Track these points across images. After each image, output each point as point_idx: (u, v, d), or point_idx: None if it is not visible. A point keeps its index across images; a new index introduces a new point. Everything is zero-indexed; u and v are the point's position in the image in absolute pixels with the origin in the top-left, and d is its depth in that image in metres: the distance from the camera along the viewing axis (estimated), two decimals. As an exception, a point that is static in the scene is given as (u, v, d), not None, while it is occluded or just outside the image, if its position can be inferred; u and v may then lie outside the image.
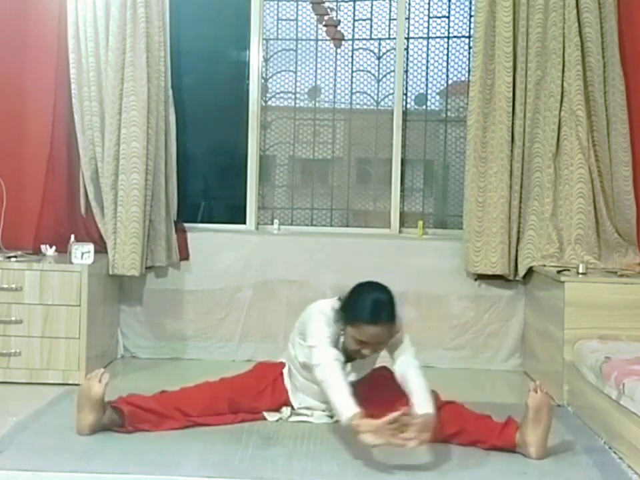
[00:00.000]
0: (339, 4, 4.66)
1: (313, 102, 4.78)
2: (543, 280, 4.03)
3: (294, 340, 3.11)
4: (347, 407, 2.64)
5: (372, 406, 2.92)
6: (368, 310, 2.80)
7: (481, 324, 4.40)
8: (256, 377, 3.20)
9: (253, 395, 3.12)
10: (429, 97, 4.71)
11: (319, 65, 4.72)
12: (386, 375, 3.18)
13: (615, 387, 2.94)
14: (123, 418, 2.92)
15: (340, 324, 2.89)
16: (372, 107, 4.73)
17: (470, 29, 4.58)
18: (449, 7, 4.64)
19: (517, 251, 4.25)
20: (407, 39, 4.62)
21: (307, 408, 3.17)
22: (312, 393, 3.11)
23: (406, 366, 2.91)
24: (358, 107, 4.75)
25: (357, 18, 4.67)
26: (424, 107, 4.73)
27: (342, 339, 2.90)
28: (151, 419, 2.95)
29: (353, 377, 2.97)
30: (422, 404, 2.71)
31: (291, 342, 3.16)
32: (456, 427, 2.89)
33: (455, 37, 4.65)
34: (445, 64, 4.66)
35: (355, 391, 2.76)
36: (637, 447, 2.70)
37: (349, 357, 2.94)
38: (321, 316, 2.92)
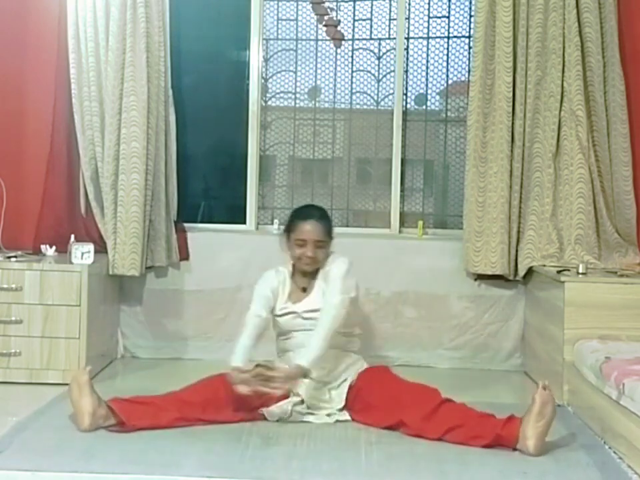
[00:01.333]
0: (338, 4, 4.66)
1: (313, 102, 4.78)
2: (543, 280, 4.03)
3: None
4: (235, 358, 3.06)
5: (380, 408, 2.98)
6: (300, 211, 3.40)
7: (481, 324, 4.40)
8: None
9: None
10: (429, 96, 4.71)
11: (319, 65, 4.72)
12: (388, 375, 3.19)
13: (615, 387, 2.94)
14: (120, 413, 2.92)
15: (285, 242, 3.34)
16: (372, 107, 4.73)
17: (470, 29, 4.58)
18: (449, 7, 4.64)
19: (516, 251, 4.25)
20: (407, 39, 4.62)
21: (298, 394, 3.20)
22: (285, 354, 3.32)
23: (322, 313, 3.15)
24: (358, 107, 4.75)
25: (357, 18, 4.67)
26: (424, 107, 4.73)
27: (292, 262, 3.33)
28: (149, 411, 2.96)
29: (303, 307, 3.26)
30: (300, 355, 3.07)
31: None
32: (457, 421, 2.90)
33: (455, 37, 4.65)
34: (445, 64, 4.66)
35: (359, 392, 3.10)
36: (636, 447, 2.70)
37: (301, 279, 3.32)
38: (260, 278, 3.36)
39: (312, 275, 3.33)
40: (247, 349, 3.12)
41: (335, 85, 4.73)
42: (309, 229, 3.24)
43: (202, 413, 3.03)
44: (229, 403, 3.09)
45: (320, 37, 4.70)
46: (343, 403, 3.16)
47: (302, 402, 3.15)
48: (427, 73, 4.67)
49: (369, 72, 4.69)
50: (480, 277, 4.35)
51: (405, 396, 3.04)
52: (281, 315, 3.30)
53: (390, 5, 4.63)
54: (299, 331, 3.26)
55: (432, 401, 2.99)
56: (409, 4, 4.61)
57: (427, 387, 3.09)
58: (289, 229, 3.33)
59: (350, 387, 3.18)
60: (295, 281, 3.36)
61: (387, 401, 3.07)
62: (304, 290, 3.33)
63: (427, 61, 4.66)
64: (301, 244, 3.26)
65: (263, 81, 4.66)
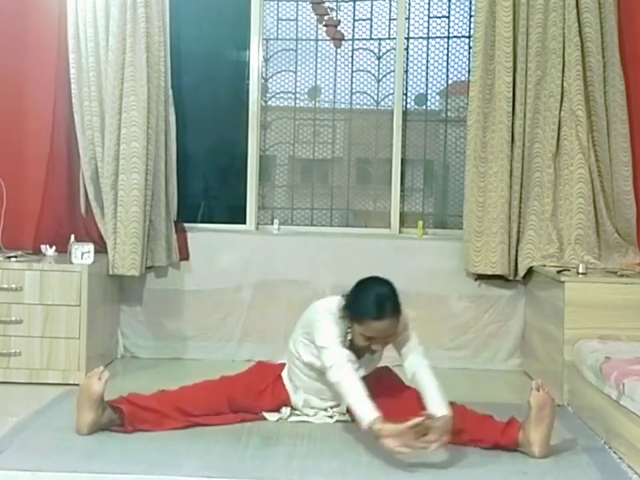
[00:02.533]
0: (338, 4, 4.66)
1: (313, 102, 4.78)
2: (543, 280, 4.03)
3: (296, 339, 3.09)
4: (367, 411, 2.65)
5: (381, 408, 2.95)
6: (373, 305, 2.80)
7: (481, 324, 4.40)
8: (256, 376, 3.20)
9: (253, 395, 3.12)
10: (429, 96, 4.71)
11: (319, 65, 4.71)
12: (389, 375, 3.18)
13: (615, 387, 2.94)
14: (122, 417, 2.92)
15: (346, 322, 2.89)
16: (372, 107, 4.73)
17: (470, 29, 4.58)
18: (449, 7, 4.64)
19: (517, 251, 4.25)
20: (407, 39, 4.62)
21: (310, 407, 3.16)
22: (314, 392, 3.11)
23: (416, 366, 2.93)
24: (358, 107, 4.75)
25: (357, 18, 4.67)
26: (424, 107, 4.73)
27: (349, 337, 2.89)
28: (151, 418, 2.96)
29: (362, 373, 2.96)
30: (438, 406, 2.74)
31: (292, 341, 3.13)
32: (457, 426, 2.88)
33: (455, 37, 4.65)
34: (445, 64, 4.66)
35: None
36: (636, 447, 2.70)
37: (358, 353, 2.94)
38: (327, 315, 2.92)
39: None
40: (369, 398, 2.71)
41: (335, 85, 4.72)
42: (382, 328, 2.80)
43: (204, 419, 3.03)
44: (230, 409, 3.08)
45: (320, 37, 4.70)
46: (343, 411, 3.16)
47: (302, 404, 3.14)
48: (427, 73, 4.67)
49: (369, 72, 4.69)
50: (480, 277, 4.35)
51: (404, 402, 3.01)
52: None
53: (390, 5, 4.63)
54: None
55: None
56: (409, 4, 4.61)
57: None
58: (355, 316, 2.85)
59: None
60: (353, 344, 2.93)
61: (386, 407, 3.04)
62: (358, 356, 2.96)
63: (427, 61, 4.66)
64: (368, 338, 2.84)
65: (263, 80, 4.66)
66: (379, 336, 2.83)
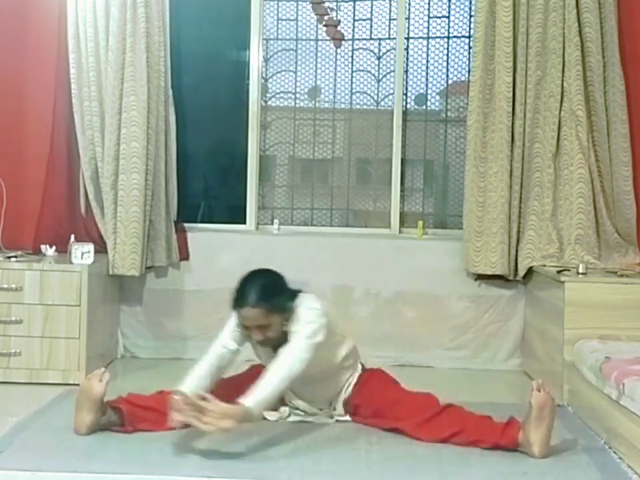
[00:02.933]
0: (338, 4, 4.66)
1: (313, 102, 4.78)
2: (543, 280, 4.03)
3: None
4: (183, 384, 2.81)
5: (371, 417, 3.04)
6: (235, 295, 2.93)
7: (481, 324, 4.40)
8: (251, 376, 3.21)
9: (246, 388, 3.13)
10: (429, 96, 4.71)
11: (319, 65, 4.72)
12: (382, 383, 3.16)
13: (615, 387, 2.94)
14: (122, 417, 2.92)
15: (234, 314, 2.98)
16: (372, 107, 4.73)
17: (470, 29, 4.58)
18: (449, 7, 4.64)
19: (517, 251, 4.25)
20: (407, 38, 4.62)
21: (295, 407, 3.17)
22: (292, 393, 3.13)
23: (279, 355, 2.82)
24: (358, 107, 4.75)
25: (357, 18, 4.67)
26: (424, 107, 4.73)
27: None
28: (150, 417, 2.95)
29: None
30: (248, 395, 2.71)
31: None
32: (456, 427, 2.89)
33: (455, 37, 4.65)
34: (445, 64, 4.66)
35: (356, 408, 3.04)
36: (636, 447, 2.70)
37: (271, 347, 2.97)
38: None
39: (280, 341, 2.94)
40: (200, 378, 2.87)
41: (335, 85, 4.73)
42: (246, 316, 2.88)
43: None
44: None
45: (320, 37, 4.70)
46: (342, 413, 3.16)
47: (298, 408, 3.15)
48: (427, 73, 4.67)
49: (369, 72, 4.69)
50: (480, 277, 4.35)
51: (402, 406, 3.00)
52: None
53: (390, 4, 4.63)
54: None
55: (430, 409, 2.96)
56: (409, 4, 4.61)
57: (425, 395, 3.05)
58: (232, 308, 2.97)
59: (346, 400, 3.15)
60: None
61: (384, 412, 3.04)
62: (274, 349, 2.96)
63: (427, 61, 4.66)
64: (246, 327, 2.93)
65: (263, 80, 4.66)
66: (249, 325, 2.89)
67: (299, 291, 3.00)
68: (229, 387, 3.13)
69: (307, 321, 2.88)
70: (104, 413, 2.90)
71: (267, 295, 2.88)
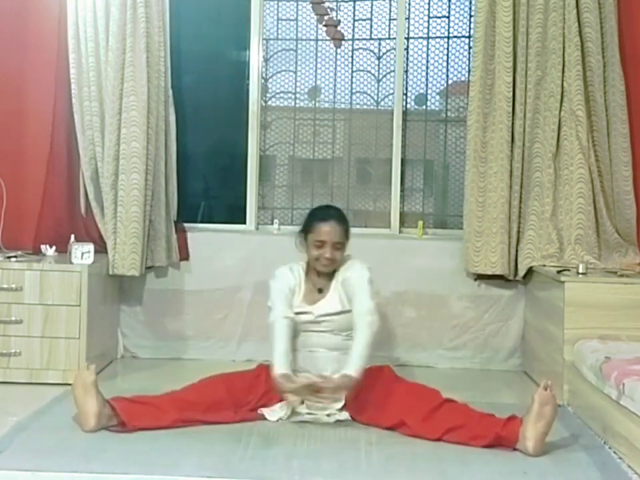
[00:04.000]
0: (338, 4, 4.66)
1: (313, 102, 4.78)
2: (543, 280, 4.03)
3: None
4: (280, 365, 3.06)
5: (373, 407, 3.06)
6: (318, 212, 3.39)
7: (481, 324, 4.40)
8: (256, 375, 3.23)
9: (249, 384, 3.16)
10: (429, 96, 4.71)
11: (319, 65, 4.71)
12: (386, 375, 3.18)
13: (615, 387, 2.94)
14: (120, 415, 2.92)
15: (302, 241, 3.35)
16: (372, 107, 4.73)
17: (470, 29, 4.58)
18: (449, 7, 4.64)
19: (516, 250, 4.25)
20: (407, 38, 4.62)
21: (307, 408, 3.18)
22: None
23: (358, 321, 3.16)
24: (358, 107, 4.75)
25: (357, 18, 4.67)
26: (424, 107, 4.73)
27: (303, 266, 3.35)
28: (148, 412, 2.96)
29: (314, 326, 3.24)
30: (348, 365, 3.05)
31: None
32: (458, 421, 2.91)
33: (455, 37, 4.65)
34: (445, 64, 4.66)
35: (358, 393, 3.07)
36: (636, 447, 2.70)
37: (317, 280, 3.32)
38: (276, 276, 3.36)
39: (328, 276, 3.33)
40: (287, 354, 3.12)
41: (335, 85, 4.72)
42: (328, 230, 3.24)
43: (202, 414, 3.03)
44: (229, 404, 3.09)
45: (320, 37, 4.70)
46: (342, 402, 3.16)
47: (301, 402, 3.15)
48: (427, 73, 4.67)
49: (369, 72, 4.69)
50: (480, 277, 4.35)
51: (405, 396, 3.05)
52: (295, 314, 3.27)
53: (390, 4, 4.63)
54: (312, 332, 3.26)
55: (432, 401, 2.99)
56: (409, 4, 4.61)
57: (428, 388, 3.11)
58: (307, 229, 3.32)
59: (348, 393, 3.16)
60: (310, 280, 3.35)
61: (387, 401, 3.07)
62: (320, 291, 3.33)
63: (427, 61, 4.66)
64: (319, 245, 3.25)
65: (263, 80, 4.66)
66: (328, 239, 3.23)
67: None
68: (236, 386, 3.14)
69: (367, 279, 3.25)
70: (103, 399, 2.92)
71: (346, 218, 3.38)
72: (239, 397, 3.12)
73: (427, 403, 2.99)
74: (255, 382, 3.19)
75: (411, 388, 3.12)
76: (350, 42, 4.69)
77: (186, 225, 4.49)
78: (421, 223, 4.56)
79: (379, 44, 4.67)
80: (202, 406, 3.04)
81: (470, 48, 4.53)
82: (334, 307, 3.26)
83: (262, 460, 2.73)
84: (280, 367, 3.04)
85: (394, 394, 3.08)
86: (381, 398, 3.09)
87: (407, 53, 4.62)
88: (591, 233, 4.16)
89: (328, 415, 3.15)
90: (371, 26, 4.67)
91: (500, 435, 2.84)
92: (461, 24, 4.64)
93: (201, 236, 4.48)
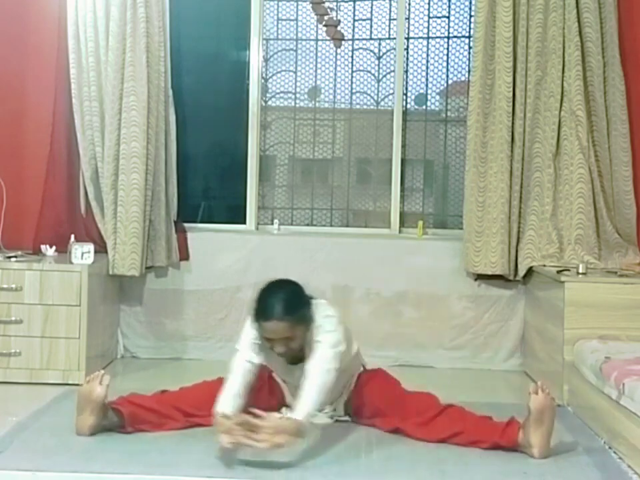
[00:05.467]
0: (338, 4, 4.66)
1: (313, 102, 4.78)
2: (543, 280, 4.03)
3: None
4: (222, 404, 2.75)
5: (371, 418, 3.03)
6: (261, 307, 2.82)
7: (481, 324, 4.40)
8: (261, 383, 3.20)
9: (251, 395, 3.13)
10: (428, 96, 4.71)
11: (319, 65, 4.72)
12: (382, 383, 3.15)
13: (615, 387, 2.94)
14: (123, 419, 2.92)
15: (255, 326, 2.88)
16: (372, 107, 4.73)
17: (470, 29, 4.58)
18: (449, 7, 4.64)
19: (517, 251, 4.25)
20: (407, 38, 4.62)
21: None
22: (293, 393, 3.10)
23: (310, 367, 2.79)
24: (358, 107, 4.75)
25: (357, 18, 4.67)
26: (424, 107, 4.73)
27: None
28: (151, 419, 2.95)
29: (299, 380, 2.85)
30: (296, 408, 2.71)
31: None
32: (456, 428, 2.89)
33: (455, 36, 4.65)
34: (445, 64, 4.66)
35: (357, 408, 3.04)
36: (637, 447, 2.70)
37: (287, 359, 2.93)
38: (249, 319, 2.93)
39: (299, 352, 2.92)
40: (235, 396, 2.79)
41: (335, 85, 4.73)
42: (271, 329, 2.78)
43: (204, 420, 3.02)
44: None
45: (320, 37, 4.70)
46: (341, 414, 3.16)
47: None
48: (427, 73, 4.67)
49: (369, 72, 4.69)
50: (480, 277, 4.34)
51: (402, 406, 3.01)
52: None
53: (390, 4, 4.63)
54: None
55: (430, 409, 2.96)
56: (409, 4, 4.61)
57: (425, 395, 3.05)
58: (253, 320, 2.88)
59: (346, 401, 3.14)
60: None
61: (384, 412, 3.04)
62: (291, 360, 2.96)
63: (427, 61, 4.66)
64: (268, 340, 2.83)
65: (263, 80, 4.66)
66: (273, 337, 2.79)
67: (312, 298, 2.94)
68: None
69: (327, 330, 2.84)
70: (105, 415, 2.90)
71: (292, 306, 2.80)
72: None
73: (425, 412, 2.95)
74: (258, 391, 3.16)
75: (408, 397, 3.06)
76: (350, 42, 4.69)
77: (186, 225, 4.49)
78: (421, 223, 4.56)
79: (379, 44, 4.67)
80: (204, 414, 3.03)
81: (470, 48, 4.53)
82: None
83: (262, 460, 2.72)
84: (220, 405, 2.74)
85: (391, 404, 3.04)
86: (378, 409, 3.06)
87: (407, 53, 4.62)
88: (591, 233, 4.16)
89: (328, 416, 3.15)
90: (371, 26, 4.67)
91: (498, 443, 2.83)
92: (461, 24, 4.64)
93: (201, 236, 4.48)
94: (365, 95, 4.72)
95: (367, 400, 3.09)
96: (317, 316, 2.87)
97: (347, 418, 3.15)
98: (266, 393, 3.13)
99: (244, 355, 2.90)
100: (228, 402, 2.76)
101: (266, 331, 2.80)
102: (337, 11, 4.67)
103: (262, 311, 2.80)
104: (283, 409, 3.15)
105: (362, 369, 3.21)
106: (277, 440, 2.59)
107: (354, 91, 4.72)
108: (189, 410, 3.02)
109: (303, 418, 2.66)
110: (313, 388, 2.73)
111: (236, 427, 2.62)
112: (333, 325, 2.87)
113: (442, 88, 4.72)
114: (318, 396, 2.73)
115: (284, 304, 2.79)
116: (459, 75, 4.69)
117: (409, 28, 4.62)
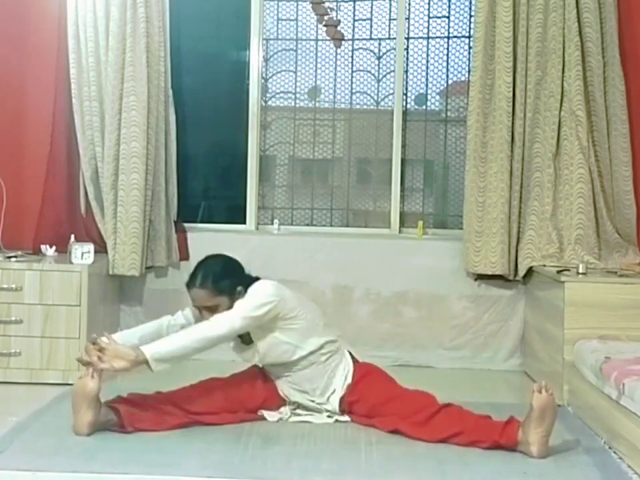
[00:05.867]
0: (338, 4, 4.66)
1: (313, 102, 4.78)
2: (543, 280, 4.03)
3: None
4: (116, 335, 3.00)
5: (369, 417, 3.05)
6: (189, 276, 3.08)
7: (481, 324, 4.40)
8: (249, 373, 3.23)
9: (248, 388, 3.15)
10: (428, 96, 4.71)
11: (319, 65, 4.72)
12: (379, 382, 3.15)
13: (615, 387, 2.94)
14: (120, 418, 2.92)
15: None
16: (372, 107, 4.73)
17: (470, 29, 4.58)
18: (449, 7, 4.64)
19: (516, 250, 4.25)
20: (407, 38, 4.62)
21: (294, 403, 3.18)
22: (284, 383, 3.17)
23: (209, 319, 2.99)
24: (358, 107, 4.75)
25: (357, 18, 4.67)
26: (424, 107, 4.73)
27: None
28: (150, 416, 2.95)
29: (256, 357, 3.15)
30: (152, 343, 2.91)
31: None
32: (455, 428, 2.88)
33: (455, 36, 4.65)
34: (445, 64, 4.66)
35: (353, 405, 3.08)
36: (637, 447, 2.70)
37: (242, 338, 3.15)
38: None
39: None
40: (132, 334, 3.09)
41: (335, 85, 4.73)
42: (193, 297, 3.05)
43: (203, 417, 3.03)
44: (229, 408, 3.09)
45: (320, 37, 4.70)
46: (337, 410, 3.16)
47: (299, 406, 3.16)
48: (427, 73, 4.67)
49: (369, 72, 4.69)
50: (480, 277, 4.34)
51: (398, 404, 3.00)
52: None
53: (390, 4, 4.63)
54: (269, 367, 3.21)
55: (428, 408, 2.95)
56: (409, 4, 4.61)
57: (423, 394, 3.04)
58: None
59: (342, 398, 3.14)
60: None
61: (380, 410, 3.04)
62: (244, 342, 3.17)
63: (427, 61, 4.66)
64: (197, 308, 3.09)
65: (263, 80, 4.66)
66: (196, 305, 3.06)
67: (257, 278, 3.11)
68: (229, 386, 3.14)
69: (249, 295, 3.01)
70: (101, 409, 2.89)
71: (213, 277, 3.02)
72: (238, 400, 3.12)
73: (423, 410, 2.95)
74: (251, 384, 3.17)
75: (406, 395, 3.05)
76: (350, 42, 4.69)
77: (186, 225, 4.49)
78: (421, 223, 4.56)
79: (379, 44, 4.67)
80: (203, 411, 3.03)
81: (470, 48, 4.53)
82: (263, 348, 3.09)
83: (262, 460, 2.72)
84: (115, 336, 2.96)
85: (389, 401, 3.04)
86: (375, 409, 3.06)
87: (407, 52, 4.62)
88: (591, 233, 4.16)
89: (328, 416, 3.15)
90: (371, 26, 4.67)
91: (498, 442, 2.82)
92: (461, 24, 4.64)
93: (201, 236, 4.48)
94: (365, 95, 4.72)
95: (363, 396, 3.09)
96: (250, 290, 3.03)
97: (346, 418, 3.15)
98: (261, 387, 3.16)
99: (178, 313, 3.22)
100: (122, 334, 3.08)
101: (191, 298, 3.06)
102: (336, 11, 4.67)
103: (189, 280, 3.06)
104: (283, 408, 3.16)
105: (352, 362, 3.17)
106: (115, 364, 2.81)
107: (354, 90, 4.72)
108: (187, 406, 3.03)
109: (148, 352, 2.82)
110: (186, 333, 2.95)
111: (91, 347, 2.86)
112: (258, 293, 3.01)
113: (442, 88, 4.72)
114: (186, 341, 2.91)
115: (205, 274, 3.03)
116: (459, 75, 4.69)
117: (408, 28, 4.62)
